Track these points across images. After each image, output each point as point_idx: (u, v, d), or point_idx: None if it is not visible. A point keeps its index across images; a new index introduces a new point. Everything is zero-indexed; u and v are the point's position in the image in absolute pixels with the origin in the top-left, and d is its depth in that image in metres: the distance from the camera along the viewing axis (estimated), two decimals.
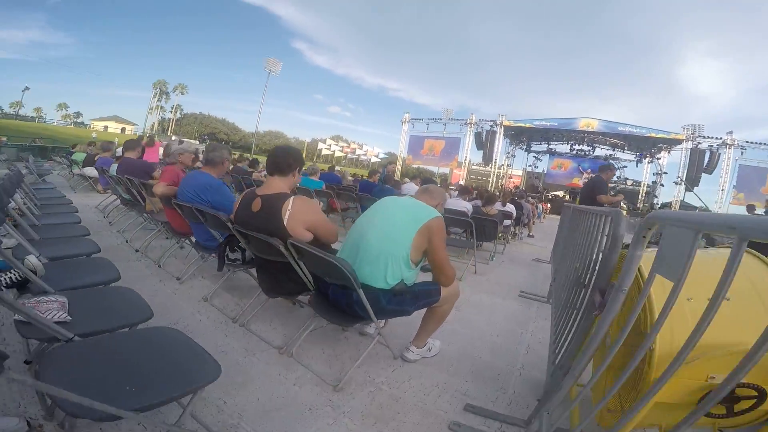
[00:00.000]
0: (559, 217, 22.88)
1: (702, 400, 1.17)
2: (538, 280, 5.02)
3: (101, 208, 6.11)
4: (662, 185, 26.05)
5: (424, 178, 8.91)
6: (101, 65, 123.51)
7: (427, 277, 2.36)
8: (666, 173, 25.79)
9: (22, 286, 1.68)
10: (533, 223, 12.01)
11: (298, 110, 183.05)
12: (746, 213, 12.32)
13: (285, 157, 2.31)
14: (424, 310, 2.32)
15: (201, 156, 5.38)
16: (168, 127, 55.59)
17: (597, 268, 1.70)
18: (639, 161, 27.26)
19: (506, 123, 25.75)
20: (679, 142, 23.18)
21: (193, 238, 3.40)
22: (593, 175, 6.34)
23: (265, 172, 2.62)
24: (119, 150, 8.73)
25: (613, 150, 27.85)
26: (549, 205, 22.47)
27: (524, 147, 29.76)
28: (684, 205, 23.86)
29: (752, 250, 1.42)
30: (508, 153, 29.60)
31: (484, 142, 26.03)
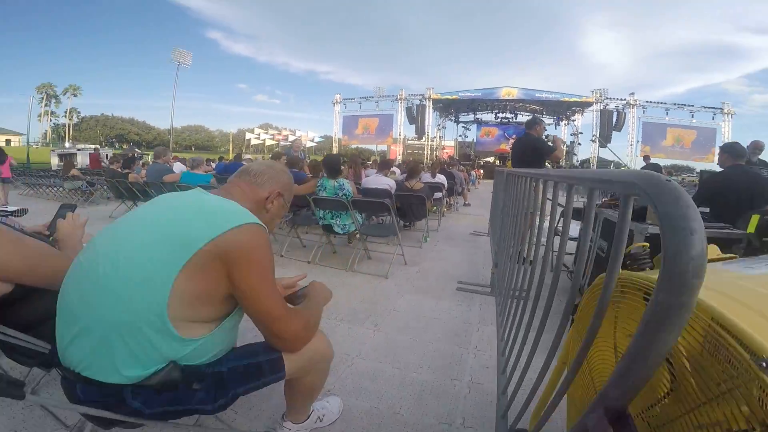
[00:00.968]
0: (492, 182, 23.48)
1: None
2: (478, 261, 4.19)
3: None
4: (580, 144, 28.02)
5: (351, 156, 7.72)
6: None
7: None
8: (582, 133, 27.40)
9: None
10: (468, 191, 11.46)
11: (221, 102, 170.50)
12: (644, 164, 13.11)
13: None
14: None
15: None
16: (65, 133, 48.13)
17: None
18: (557, 124, 28.67)
19: (434, 96, 25.46)
20: (589, 104, 24.71)
21: None
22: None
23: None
24: None
25: (533, 115, 28.46)
26: (482, 171, 22.64)
27: (453, 118, 29.63)
28: (600, 161, 25.75)
29: None
30: (439, 125, 29.26)
31: (416, 116, 25.50)
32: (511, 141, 28.81)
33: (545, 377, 0.99)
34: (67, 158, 12.19)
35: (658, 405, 0.68)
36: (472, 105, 27.26)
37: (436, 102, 26.03)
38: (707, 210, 3.01)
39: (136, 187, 5.94)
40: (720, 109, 23.23)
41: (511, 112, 27.79)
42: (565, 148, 29.33)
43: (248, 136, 38.45)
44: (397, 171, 7.99)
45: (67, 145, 30.22)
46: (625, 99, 24.09)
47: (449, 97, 25.78)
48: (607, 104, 23.98)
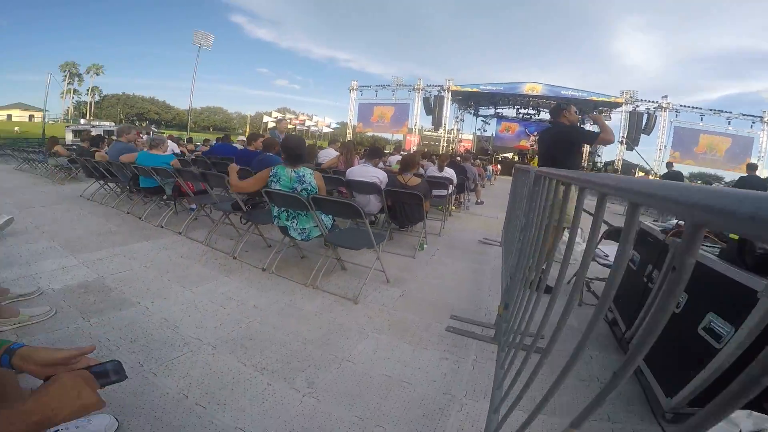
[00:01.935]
0: (510, 179, 22.29)
1: None
2: (483, 284, 3.22)
3: None
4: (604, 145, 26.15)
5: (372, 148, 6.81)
6: None
7: None
8: None
9: None
10: (482, 187, 10.39)
11: (242, 85, 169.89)
12: (666, 170, 11.85)
13: None
14: None
15: None
16: (86, 111, 48.35)
17: None
18: (581, 124, 26.75)
19: (453, 88, 24.16)
20: (618, 105, 23.09)
21: None
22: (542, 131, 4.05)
23: None
24: None
25: (556, 102, 26.91)
26: (499, 167, 21.42)
27: (472, 111, 28.23)
28: (625, 164, 24.49)
29: None
30: (457, 117, 27.90)
31: (433, 108, 24.30)
32: (533, 138, 27.51)
33: None
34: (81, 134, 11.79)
35: None
36: (493, 99, 25.81)
37: (455, 94, 24.74)
38: None
39: (102, 166, 5.15)
40: (760, 117, 21.25)
41: (533, 109, 26.45)
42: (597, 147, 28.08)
43: (265, 119, 37.68)
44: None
45: (82, 122, 30.14)
46: (656, 102, 22.64)
47: (469, 89, 24.39)
48: (637, 106, 22.53)
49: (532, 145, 28.01)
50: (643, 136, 22.50)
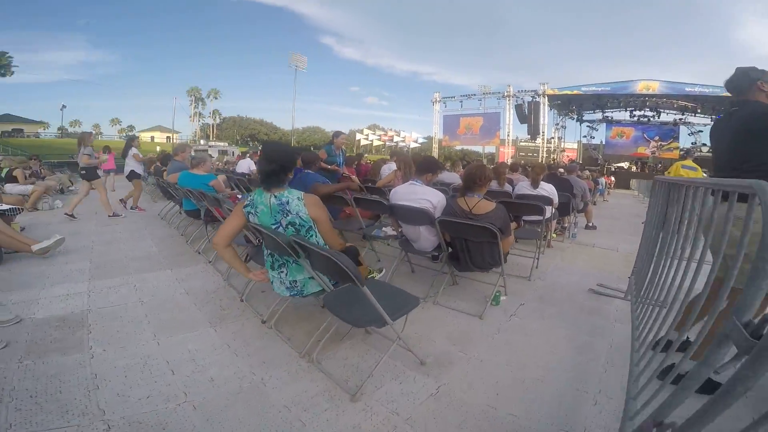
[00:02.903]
0: (629, 192, 18.02)
1: None
2: (590, 382, 1.81)
3: None
4: None
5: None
6: (143, 78, 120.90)
7: None
8: None
9: None
10: (593, 204, 8.33)
11: (337, 104, 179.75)
12: None
13: None
14: None
15: None
16: (210, 132, 54.81)
17: None
18: None
19: (549, 92, 21.42)
20: None
21: None
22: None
23: None
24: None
25: (683, 114, 22.15)
26: (613, 179, 17.88)
27: (575, 117, 24.52)
28: None
29: None
30: (557, 124, 24.52)
31: (527, 115, 21.80)
32: (654, 144, 22.86)
33: None
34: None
35: None
36: (599, 101, 22.11)
37: (552, 98, 21.86)
38: None
39: (165, 185, 5.00)
40: None
41: (651, 110, 21.93)
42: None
43: (358, 136, 38.86)
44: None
45: (201, 142, 34.25)
46: None
47: (569, 92, 21.29)
48: None
49: (653, 152, 23.34)
50: None
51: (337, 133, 4.78)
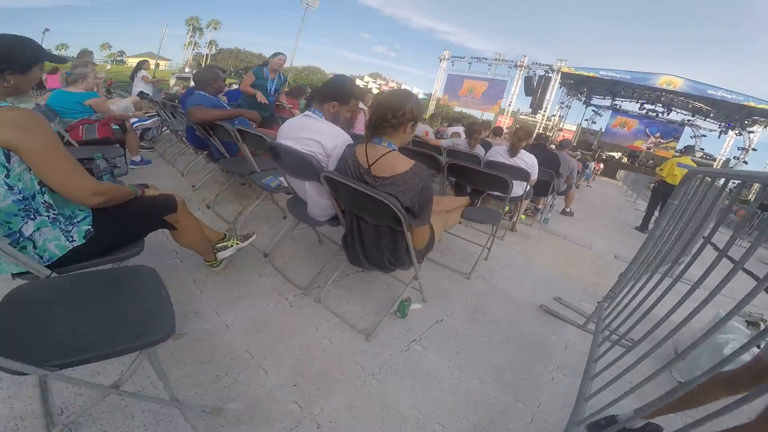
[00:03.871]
0: (614, 182, 17.55)
1: None
2: None
3: None
4: (745, 163, 20.34)
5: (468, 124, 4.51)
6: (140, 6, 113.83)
7: None
8: (755, 150, 19.96)
9: None
10: (576, 187, 7.52)
11: (343, 48, 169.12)
12: None
13: None
14: None
15: None
16: (203, 62, 49.97)
17: None
18: (723, 132, 20.79)
19: (565, 69, 19.73)
20: None
21: None
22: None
23: None
24: None
25: (693, 116, 21.11)
26: (602, 166, 17.02)
27: (584, 99, 22.97)
28: None
29: None
30: (563, 103, 22.99)
31: (535, 88, 20.25)
32: (653, 140, 21.78)
33: None
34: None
35: None
36: (613, 88, 20.54)
37: (566, 77, 20.19)
38: None
39: None
40: None
41: (663, 107, 20.62)
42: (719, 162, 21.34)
43: (358, 82, 36.41)
44: (459, 133, 4.69)
45: (186, 70, 31.80)
46: None
47: (585, 73, 19.57)
48: None
49: (649, 148, 22.34)
50: None
51: (275, 54, 3.64)
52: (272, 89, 3.60)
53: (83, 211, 1.09)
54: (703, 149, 22.35)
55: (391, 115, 1.20)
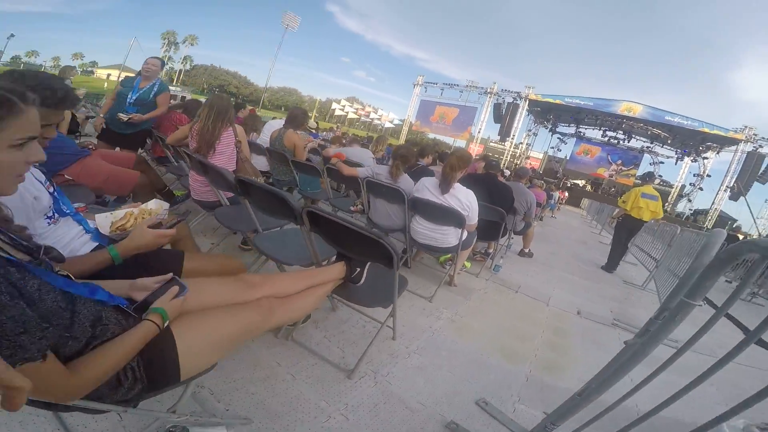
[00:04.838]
0: (579, 210, 17.31)
1: None
2: None
3: None
4: (701, 189, 21.06)
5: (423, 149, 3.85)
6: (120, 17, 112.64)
7: None
8: (709, 176, 20.72)
9: None
10: (539, 220, 7.01)
11: (322, 71, 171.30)
12: None
13: None
14: None
15: None
16: (175, 77, 49.37)
17: None
18: (680, 158, 21.45)
19: (533, 97, 19.99)
20: (735, 142, 17.76)
21: None
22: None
23: None
24: None
25: (651, 143, 21.89)
26: (566, 194, 16.89)
27: (549, 127, 23.38)
28: (721, 215, 19.38)
29: None
30: (530, 131, 23.33)
31: (503, 116, 20.28)
32: (614, 167, 22.13)
33: None
34: None
35: None
36: (577, 115, 21.02)
37: (533, 104, 20.52)
38: None
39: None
40: None
41: (624, 133, 21.25)
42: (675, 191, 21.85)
43: (334, 105, 36.10)
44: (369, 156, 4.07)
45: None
46: None
47: (551, 100, 19.92)
48: (758, 147, 17.05)
49: (611, 176, 22.66)
50: (756, 184, 16.87)
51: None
52: (133, 98, 2.79)
53: None
54: (661, 176, 22.96)
55: None
